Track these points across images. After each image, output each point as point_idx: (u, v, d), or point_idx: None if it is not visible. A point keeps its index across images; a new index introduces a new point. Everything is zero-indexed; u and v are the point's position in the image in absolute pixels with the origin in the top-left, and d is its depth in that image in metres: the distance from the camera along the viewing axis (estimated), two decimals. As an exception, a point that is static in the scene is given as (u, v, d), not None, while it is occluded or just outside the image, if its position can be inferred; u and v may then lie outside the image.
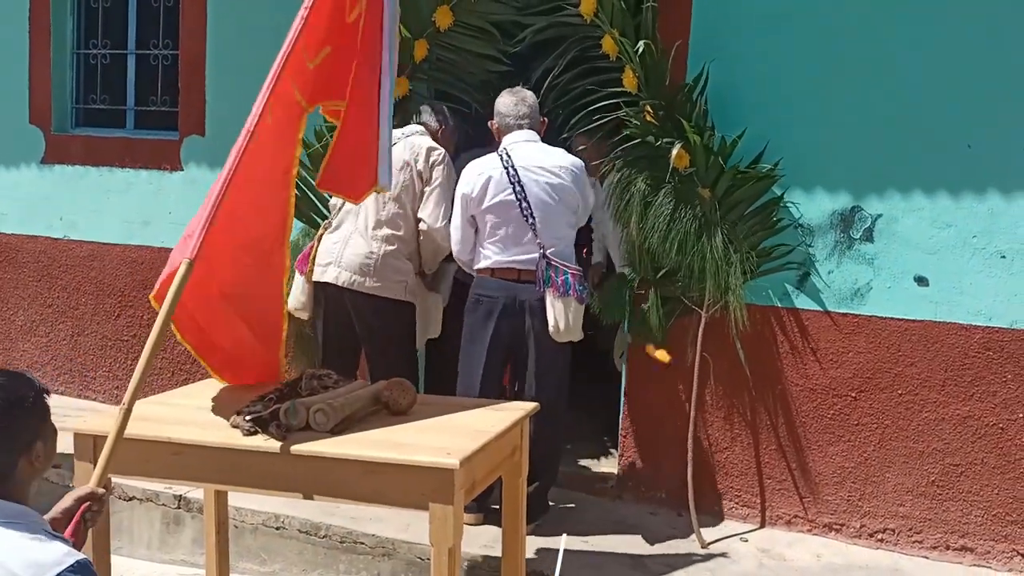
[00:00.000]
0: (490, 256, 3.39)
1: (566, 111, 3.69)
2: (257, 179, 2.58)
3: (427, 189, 3.54)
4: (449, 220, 3.50)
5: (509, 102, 3.46)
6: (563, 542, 2.44)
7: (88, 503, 1.87)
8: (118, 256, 4.78)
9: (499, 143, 3.48)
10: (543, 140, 3.50)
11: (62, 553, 1.62)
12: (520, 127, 3.43)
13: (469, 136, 4.39)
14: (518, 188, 3.30)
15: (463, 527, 2.35)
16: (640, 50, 3.46)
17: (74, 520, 1.83)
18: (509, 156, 3.35)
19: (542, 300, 3.33)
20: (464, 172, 3.42)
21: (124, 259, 4.76)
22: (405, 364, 3.49)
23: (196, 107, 4.52)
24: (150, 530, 3.76)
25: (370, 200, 3.44)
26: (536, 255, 3.32)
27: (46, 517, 1.79)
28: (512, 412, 2.74)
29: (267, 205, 2.70)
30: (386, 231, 3.53)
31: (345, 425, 2.47)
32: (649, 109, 3.51)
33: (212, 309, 2.59)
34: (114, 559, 3.72)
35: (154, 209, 4.67)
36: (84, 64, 4.95)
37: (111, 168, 4.76)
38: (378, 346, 3.60)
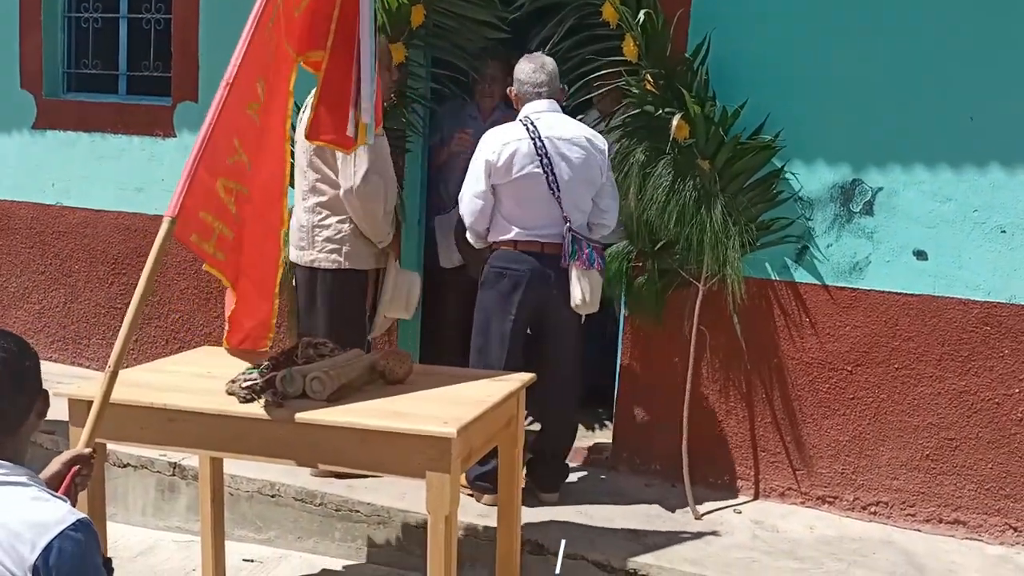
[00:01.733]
0: (513, 228, 3.31)
1: (565, 79, 3.64)
2: (268, 141, 2.56)
3: None
4: (364, 177, 3.27)
5: (528, 68, 3.36)
6: (562, 545, 2.47)
7: (77, 466, 1.87)
8: (111, 223, 4.74)
9: (517, 110, 3.40)
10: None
11: (64, 512, 1.62)
12: (539, 95, 3.35)
13: (465, 103, 4.35)
14: (545, 161, 3.24)
15: (460, 496, 2.35)
16: (641, 19, 3.41)
17: (64, 483, 1.83)
18: (535, 127, 3.27)
19: (565, 273, 3.30)
20: (487, 139, 3.31)
21: (117, 226, 4.72)
22: (348, 335, 3.27)
23: (189, 73, 4.46)
24: (145, 497, 3.76)
25: (298, 172, 3.37)
26: (560, 229, 3.28)
27: None
28: (509, 383, 2.74)
29: (271, 165, 2.68)
30: (312, 200, 3.41)
31: (342, 394, 2.47)
32: (649, 78, 3.47)
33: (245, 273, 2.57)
34: (109, 526, 3.72)
35: (147, 175, 4.62)
36: (76, 28, 4.86)
37: (103, 134, 4.70)
38: (321, 318, 3.46)
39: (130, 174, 4.67)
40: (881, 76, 3.36)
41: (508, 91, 3.48)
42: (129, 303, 2.11)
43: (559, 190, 3.27)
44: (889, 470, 3.48)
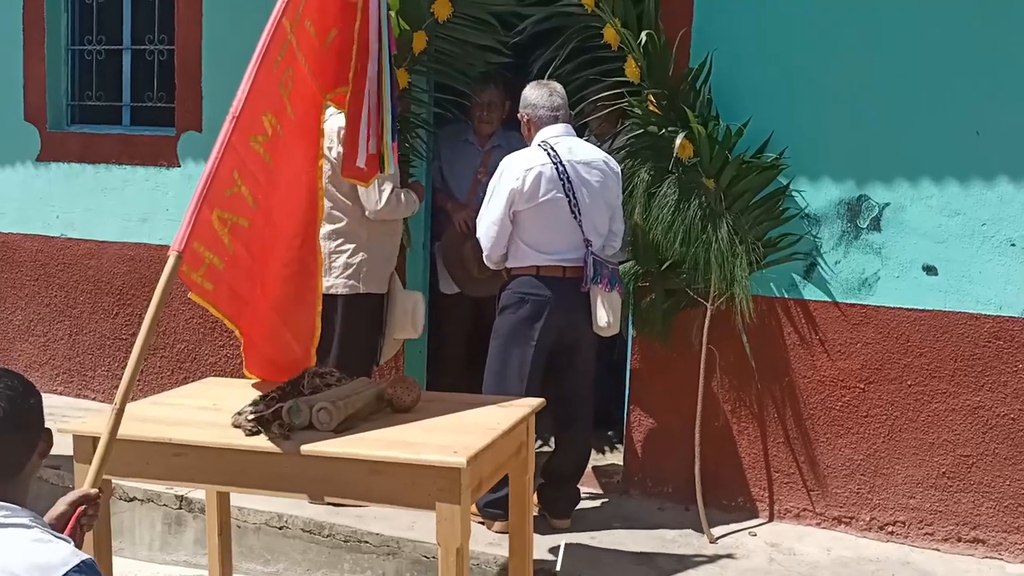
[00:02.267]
0: (534, 254, 3.29)
1: (568, 102, 3.63)
2: (288, 177, 2.56)
3: None
4: (390, 194, 3.40)
5: (542, 94, 3.36)
6: (561, 550, 2.42)
7: (83, 506, 1.84)
8: (116, 254, 4.73)
9: (530, 136, 3.39)
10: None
11: (67, 553, 1.60)
12: (555, 119, 3.35)
13: (463, 128, 4.35)
14: (567, 185, 3.24)
15: (471, 527, 2.31)
16: (642, 40, 3.41)
17: (70, 524, 1.80)
18: (555, 151, 3.27)
19: (586, 297, 3.29)
20: (510, 166, 3.28)
21: (122, 257, 4.71)
22: (356, 358, 3.34)
23: (192, 103, 4.47)
24: (151, 531, 3.72)
25: None
26: (581, 253, 3.28)
27: None
28: (518, 409, 2.70)
29: (296, 202, 2.67)
30: (327, 228, 3.45)
31: (349, 424, 2.43)
32: (652, 98, 3.46)
33: (255, 306, 2.55)
34: (115, 560, 3.67)
35: (151, 206, 4.62)
36: (79, 60, 4.89)
37: (107, 165, 4.71)
38: (335, 341, 3.48)
39: (134, 205, 4.67)
40: (885, 91, 3.35)
41: (520, 116, 3.44)
42: (135, 334, 2.09)
43: (580, 214, 3.27)
44: (905, 488, 3.43)
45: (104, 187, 4.73)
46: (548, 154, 3.26)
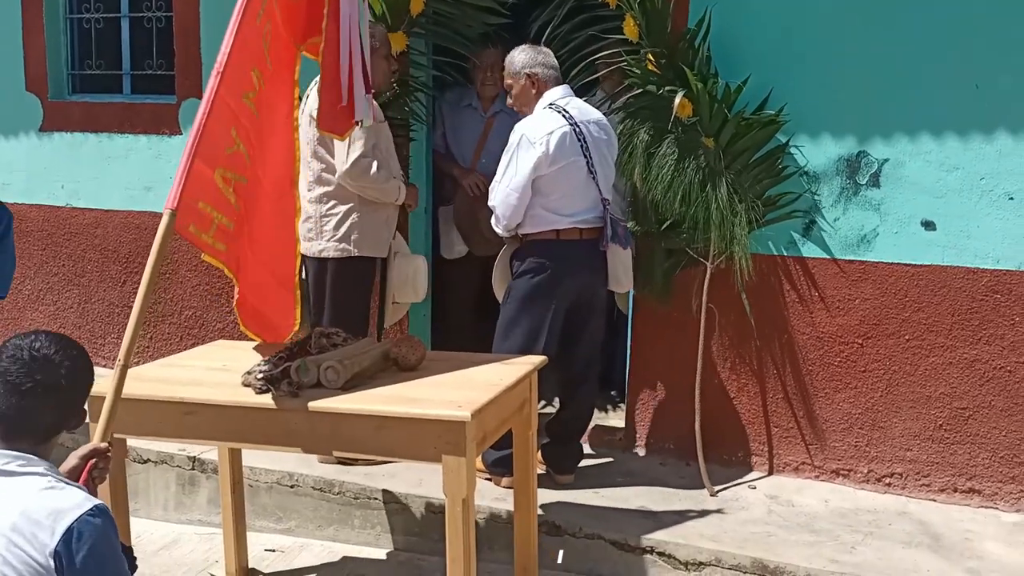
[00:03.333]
0: (553, 217, 3.30)
1: (567, 62, 3.64)
2: (270, 131, 2.58)
3: None
4: (355, 161, 3.30)
5: (541, 56, 3.36)
6: (560, 555, 2.49)
7: (94, 459, 1.91)
8: (121, 222, 4.77)
9: (533, 99, 3.37)
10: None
11: (81, 498, 1.68)
12: (559, 81, 3.38)
13: (464, 92, 4.36)
14: (584, 145, 3.28)
15: (476, 478, 2.38)
16: (641, -2, 3.41)
17: (82, 477, 1.87)
18: (568, 112, 3.28)
19: (603, 256, 3.33)
20: (527, 132, 3.26)
21: (127, 225, 4.75)
22: (349, 322, 3.27)
23: (192, 70, 4.48)
24: (166, 492, 3.81)
25: (303, 163, 3.35)
26: (598, 212, 3.32)
27: None
28: (521, 365, 2.76)
29: (277, 153, 2.70)
30: (318, 190, 3.43)
31: (356, 382, 2.50)
32: (651, 57, 3.47)
33: (247, 263, 2.58)
34: (132, 521, 3.78)
35: (155, 174, 4.64)
36: (78, 29, 4.88)
37: (110, 134, 4.72)
38: (326, 304, 3.50)
39: (138, 173, 4.70)
40: (884, 46, 3.35)
41: (530, 75, 3.37)
42: (150, 306, 2.13)
43: (596, 173, 3.31)
44: (903, 441, 3.49)
45: (107, 156, 4.75)
46: (563, 116, 3.27)
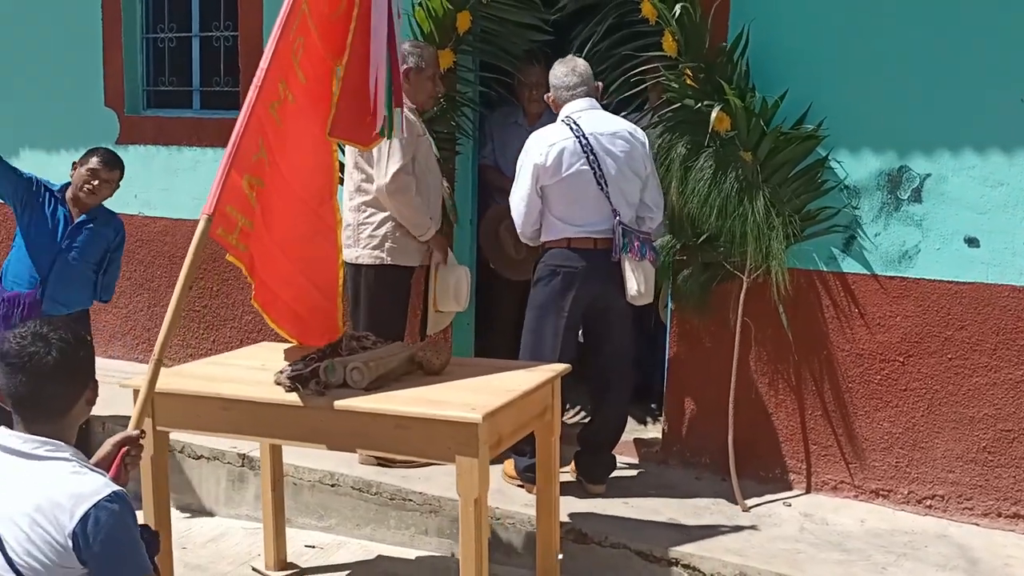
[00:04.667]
0: (564, 227, 3.38)
1: (606, 77, 3.70)
2: (303, 141, 2.71)
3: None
4: (394, 176, 3.41)
5: (561, 73, 3.47)
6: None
7: (126, 447, 2.02)
8: (189, 231, 4.87)
9: (556, 114, 3.48)
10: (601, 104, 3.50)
11: (101, 484, 1.78)
12: (575, 97, 3.44)
13: (512, 109, 4.46)
14: (591, 157, 3.32)
15: (488, 479, 2.45)
16: (678, 13, 3.45)
17: (115, 463, 1.99)
18: (578, 125, 3.35)
19: (619, 267, 3.37)
20: (532, 142, 3.40)
21: (194, 233, 4.99)
22: (382, 330, 3.30)
23: (256, 86, 4.70)
24: (217, 487, 3.99)
25: (346, 173, 3.51)
26: (610, 223, 3.36)
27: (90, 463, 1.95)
28: (542, 372, 2.82)
29: (312, 165, 2.83)
30: (357, 199, 3.56)
31: (380, 383, 2.60)
32: (689, 72, 3.49)
33: (275, 266, 2.70)
34: (183, 514, 3.98)
35: (220, 185, 4.88)
36: (153, 48, 5.19)
37: (180, 147, 4.99)
38: (361, 310, 3.61)
39: (204, 184, 4.82)
40: (926, 60, 3.30)
41: (545, 97, 3.56)
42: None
43: (607, 185, 3.34)
44: (945, 463, 3.40)
45: (177, 168, 5.02)
46: (571, 128, 3.34)
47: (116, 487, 1.80)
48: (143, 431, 2.11)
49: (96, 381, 1.94)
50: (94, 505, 1.74)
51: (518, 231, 3.51)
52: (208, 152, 4.91)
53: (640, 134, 3.47)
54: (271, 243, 2.61)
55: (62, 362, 1.84)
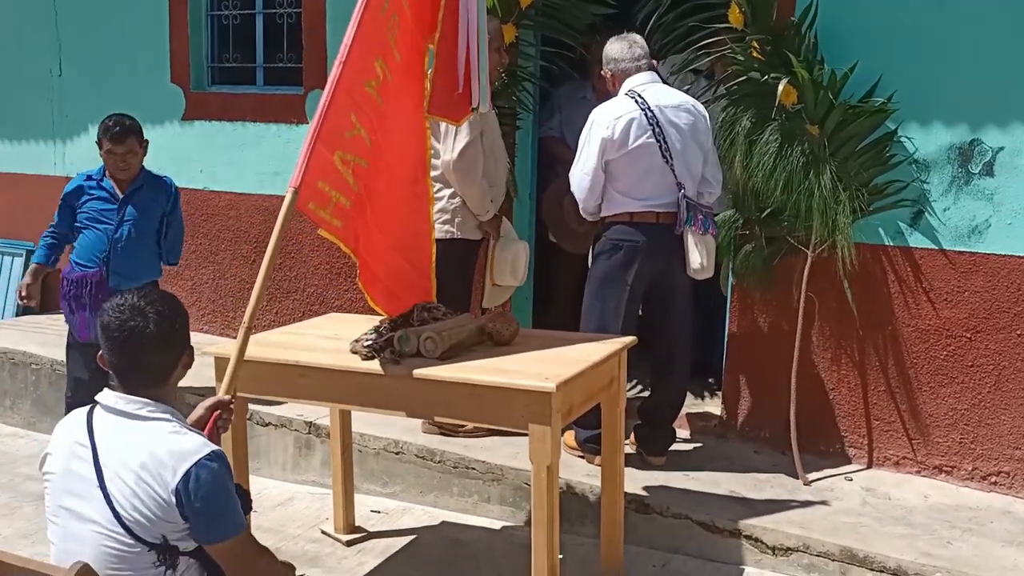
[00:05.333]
0: (627, 201, 3.40)
1: (671, 50, 3.69)
2: (399, 121, 2.75)
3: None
4: (462, 152, 3.43)
5: (623, 47, 3.48)
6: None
7: (218, 411, 2.11)
8: (253, 205, 5.15)
9: (615, 90, 3.49)
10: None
11: (200, 443, 1.88)
12: (640, 69, 3.45)
13: (580, 85, 4.46)
14: (657, 130, 3.33)
15: (560, 447, 2.50)
16: (746, -15, 3.42)
17: (208, 425, 2.08)
18: (642, 98, 3.36)
19: (680, 241, 3.39)
20: (598, 116, 3.40)
21: (258, 208, 5.12)
22: (449, 302, 3.27)
23: (318, 62, 4.77)
24: (284, 454, 4.12)
25: None
26: (674, 197, 3.37)
27: None
28: (610, 345, 2.86)
29: (408, 142, 2.87)
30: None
31: (452, 353, 2.66)
32: (755, 44, 3.47)
33: (373, 244, 2.74)
34: (252, 478, 4.10)
35: (283, 160, 4.98)
36: (217, 25, 5.29)
37: (244, 123, 5.10)
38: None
39: (268, 159, 5.05)
40: (998, 31, 3.24)
41: (604, 73, 3.56)
42: (271, 278, 2.31)
43: (672, 158, 3.35)
44: (1011, 439, 3.38)
45: (241, 143, 5.13)
46: (636, 101, 3.35)
47: (215, 446, 1.89)
48: (235, 395, 2.20)
49: (192, 347, 2.03)
50: (195, 463, 1.83)
51: (580, 206, 3.52)
52: (272, 128, 5.01)
53: (701, 107, 3.48)
54: (373, 224, 2.66)
55: (160, 333, 1.92)
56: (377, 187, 2.66)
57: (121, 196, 3.88)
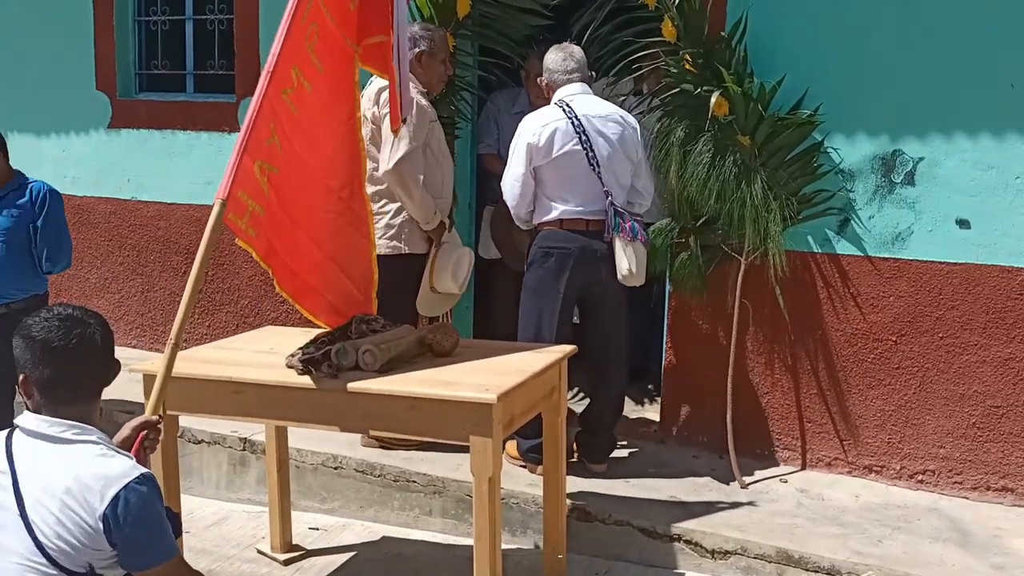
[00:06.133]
0: (557, 208, 3.44)
1: (607, 63, 3.74)
2: (324, 131, 2.71)
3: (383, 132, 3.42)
4: (399, 160, 3.43)
5: (558, 58, 3.53)
6: None
7: (145, 431, 2.04)
8: (183, 215, 5.02)
9: (549, 99, 3.53)
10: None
11: (128, 466, 1.80)
12: (571, 81, 3.50)
13: (518, 93, 4.48)
14: (583, 138, 3.37)
15: (503, 459, 2.50)
16: (678, 0, 3.49)
17: (134, 447, 2.00)
18: (570, 107, 3.41)
19: (610, 247, 3.42)
20: (527, 124, 3.45)
21: (189, 218, 4.99)
22: (397, 317, 3.24)
23: (251, 69, 4.68)
24: (218, 471, 4.01)
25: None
26: (602, 205, 3.41)
27: None
28: (551, 354, 2.87)
29: (338, 155, 2.83)
30: (370, 189, 3.47)
31: (392, 365, 2.64)
32: (688, 58, 3.54)
33: (302, 255, 2.69)
34: (184, 498, 3.97)
35: (215, 169, 4.85)
36: (145, 31, 5.15)
37: (173, 131, 4.97)
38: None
39: (199, 168, 4.93)
40: (919, 46, 3.37)
41: (539, 81, 3.61)
42: (202, 291, 2.26)
43: (599, 166, 3.40)
44: (936, 438, 3.50)
45: (171, 152, 5.00)
46: (563, 110, 3.41)
47: (144, 469, 1.82)
48: (162, 416, 2.13)
49: (118, 360, 1.96)
50: (124, 487, 1.76)
51: (512, 212, 3.54)
52: (203, 136, 4.90)
53: (631, 119, 3.53)
54: (299, 233, 2.61)
55: (105, 340, 1.88)
56: (300, 195, 2.61)
57: None
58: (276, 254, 2.53)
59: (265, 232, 2.48)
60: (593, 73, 3.60)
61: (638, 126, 3.53)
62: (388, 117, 2.96)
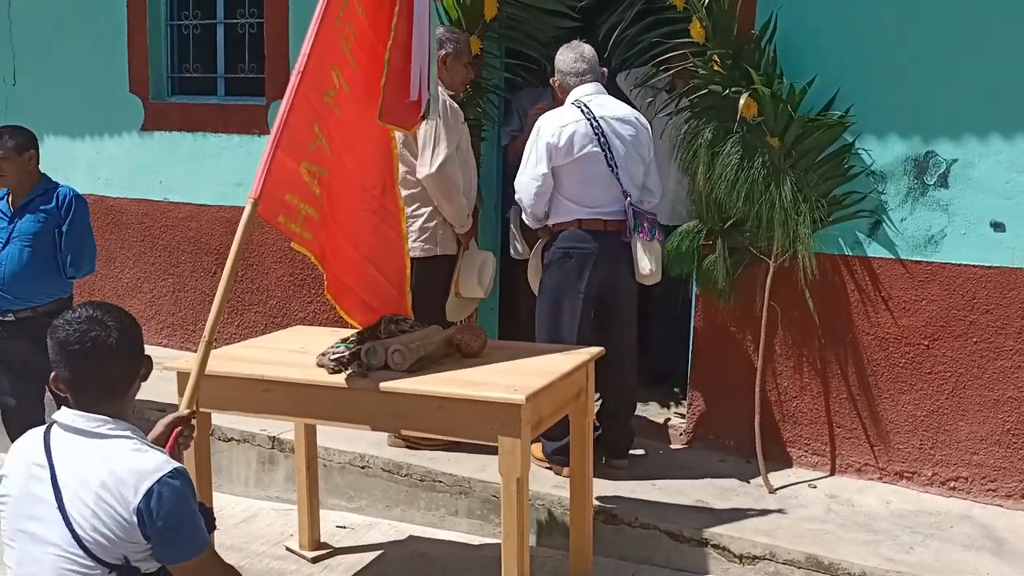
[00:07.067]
0: (576, 208, 3.45)
1: (634, 64, 3.73)
2: (360, 131, 2.72)
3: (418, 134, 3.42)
4: (441, 165, 3.46)
5: (568, 59, 3.53)
6: None
7: (179, 428, 2.07)
8: (213, 216, 5.08)
9: (563, 99, 3.53)
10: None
11: (162, 461, 1.83)
12: (583, 82, 3.50)
13: (541, 91, 4.48)
14: (602, 139, 3.39)
15: (530, 460, 2.50)
16: (707, 0, 3.47)
17: (168, 443, 2.03)
18: (588, 108, 3.41)
19: (628, 247, 3.43)
20: (545, 123, 3.45)
21: (219, 219, 5.05)
22: (429, 319, 3.28)
23: (281, 73, 4.73)
24: (247, 469, 4.05)
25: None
26: (620, 205, 3.42)
27: None
28: (578, 355, 2.86)
29: (373, 154, 2.85)
30: (403, 193, 3.48)
31: (421, 365, 2.65)
32: (716, 58, 3.52)
33: (343, 257, 2.71)
34: (214, 495, 4.04)
35: (245, 171, 4.92)
36: (177, 35, 5.22)
37: (204, 133, 5.03)
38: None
39: (230, 170, 4.99)
40: (953, 46, 3.32)
41: (551, 81, 3.61)
42: (232, 291, 2.27)
43: (617, 167, 3.41)
44: (969, 445, 3.45)
45: (202, 154, 5.06)
46: (581, 111, 3.41)
47: (177, 464, 1.85)
48: (195, 412, 2.16)
49: (149, 357, 1.98)
50: (157, 481, 1.79)
51: (527, 211, 3.54)
52: (234, 138, 4.95)
53: (644, 120, 3.56)
54: (340, 234, 2.63)
55: (123, 341, 1.89)
56: (341, 197, 2.64)
57: (12, 212, 3.70)
58: (326, 259, 2.55)
59: (319, 236, 2.49)
60: (605, 70, 3.60)
61: (649, 126, 3.55)
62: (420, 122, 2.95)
